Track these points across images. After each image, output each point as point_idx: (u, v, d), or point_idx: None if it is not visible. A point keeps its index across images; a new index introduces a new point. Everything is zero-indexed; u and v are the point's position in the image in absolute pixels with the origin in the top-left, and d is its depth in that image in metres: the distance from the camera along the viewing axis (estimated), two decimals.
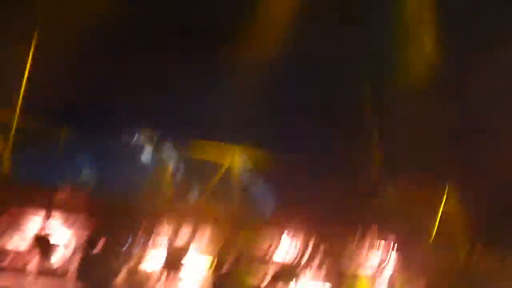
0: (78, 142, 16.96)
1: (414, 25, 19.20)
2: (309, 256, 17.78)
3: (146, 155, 17.49)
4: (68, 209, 16.43)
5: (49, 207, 16.30)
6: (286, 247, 17.73)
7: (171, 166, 17.55)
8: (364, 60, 18.75)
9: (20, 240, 16.37)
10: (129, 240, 16.62)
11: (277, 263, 17.50)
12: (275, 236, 17.58)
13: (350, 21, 18.97)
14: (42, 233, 16.20)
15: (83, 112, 17.93)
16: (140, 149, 17.48)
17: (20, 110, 16.65)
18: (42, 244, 16.14)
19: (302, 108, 19.23)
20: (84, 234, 16.52)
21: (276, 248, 17.57)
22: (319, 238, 17.71)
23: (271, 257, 17.50)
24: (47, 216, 16.34)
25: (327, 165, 18.06)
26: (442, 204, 18.68)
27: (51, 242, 16.20)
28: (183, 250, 16.74)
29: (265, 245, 17.53)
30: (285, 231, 17.61)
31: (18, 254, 16.32)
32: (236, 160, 17.71)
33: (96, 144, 17.28)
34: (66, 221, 16.52)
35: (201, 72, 18.88)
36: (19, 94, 16.69)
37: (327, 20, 19.07)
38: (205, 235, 17.03)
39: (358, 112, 19.13)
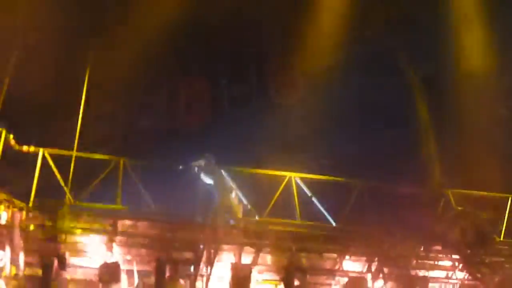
0: (138, 171, 17.23)
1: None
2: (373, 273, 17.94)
3: (205, 180, 17.76)
4: (131, 236, 16.77)
5: (113, 235, 16.61)
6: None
7: (231, 189, 17.83)
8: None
9: (88, 269, 16.75)
10: (194, 263, 16.91)
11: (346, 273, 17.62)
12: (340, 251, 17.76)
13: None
14: (108, 261, 16.44)
15: (139, 142, 18.75)
16: (199, 174, 17.78)
17: (78, 143, 17.06)
18: (109, 272, 16.31)
19: (356, 134, 20.21)
20: (148, 260, 16.82)
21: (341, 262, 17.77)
22: (382, 259, 17.83)
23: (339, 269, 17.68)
24: (112, 244, 16.67)
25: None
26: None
27: (117, 269, 16.35)
28: (248, 269, 16.86)
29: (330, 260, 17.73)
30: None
31: (87, 283, 16.70)
32: (294, 181, 17.85)
33: (156, 173, 17.71)
34: (130, 248, 16.88)
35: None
36: (76, 128, 17.11)
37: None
38: (268, 255, 17.27)
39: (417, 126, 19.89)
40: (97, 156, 17.30)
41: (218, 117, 20.21)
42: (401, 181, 18.33)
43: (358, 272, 17.85)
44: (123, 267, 16.52)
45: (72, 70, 18.16)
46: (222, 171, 17.67)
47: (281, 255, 17.08)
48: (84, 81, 17.26)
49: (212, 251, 16.67)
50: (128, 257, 16.80)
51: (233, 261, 16.97)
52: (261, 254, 17.08)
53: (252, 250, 17.04)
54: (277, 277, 17.30)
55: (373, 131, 20.17)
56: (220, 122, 19.96)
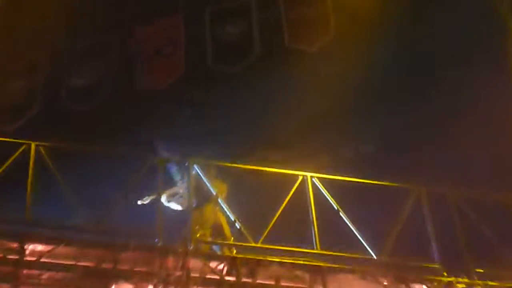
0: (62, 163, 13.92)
1: None
2: None
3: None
4: (47, 268, 13.42)
5: (18, 266, 13.27)
6: None
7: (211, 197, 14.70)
8: None
9: None
10: None
11: None
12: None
13: None
14: None
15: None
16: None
17: None
18: None
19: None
20: None
21: None
22: None
23: None
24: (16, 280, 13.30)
25: None
26: None
27: None
28: None
29: None
30: None
31: None
32: (311, 184, 14.52)
33: (92, 166, 15.22)
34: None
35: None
36: None
37: None
38: None
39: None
40: None
41: (197, 77, 17.15)
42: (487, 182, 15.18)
43: None
44: None
45: None
46: (197, 168, 14.37)
47: None
48: None
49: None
50: None
51: None
52: None
53: None
54: None
55: (437, 99, 16.80)
56: (199, 86, 17.09)
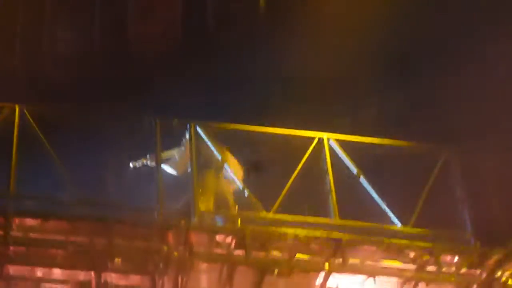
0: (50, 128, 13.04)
1: None
2: None
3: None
4: (35, 244, 12.61)
5: (4, 243, 12.43)
6: None
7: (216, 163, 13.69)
8: None
9: None
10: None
11: None
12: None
13: None
14: None
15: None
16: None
17: None
18: None
19: None
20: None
21: None
22: None
23: None
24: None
25: None
26: None
27: None
28: None
29: None
30: None
31: None
32: (327, 147, 13.62)
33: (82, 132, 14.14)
34: (33, 266, 12.96)
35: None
36: None
37: None
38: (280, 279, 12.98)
39: None
40: None
41: (196, 38, 16.78)
42: None
43: None
44: None
45: None
46: (200, 130, 13.36)
47: (304, 280, 13.07)
48: None
49: (180, 277, 12.60)
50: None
51: None
52: (267, 278, 12.80)
53: (252, 272, 12.83)
54: None
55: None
56: (199, 47, 16.60)
